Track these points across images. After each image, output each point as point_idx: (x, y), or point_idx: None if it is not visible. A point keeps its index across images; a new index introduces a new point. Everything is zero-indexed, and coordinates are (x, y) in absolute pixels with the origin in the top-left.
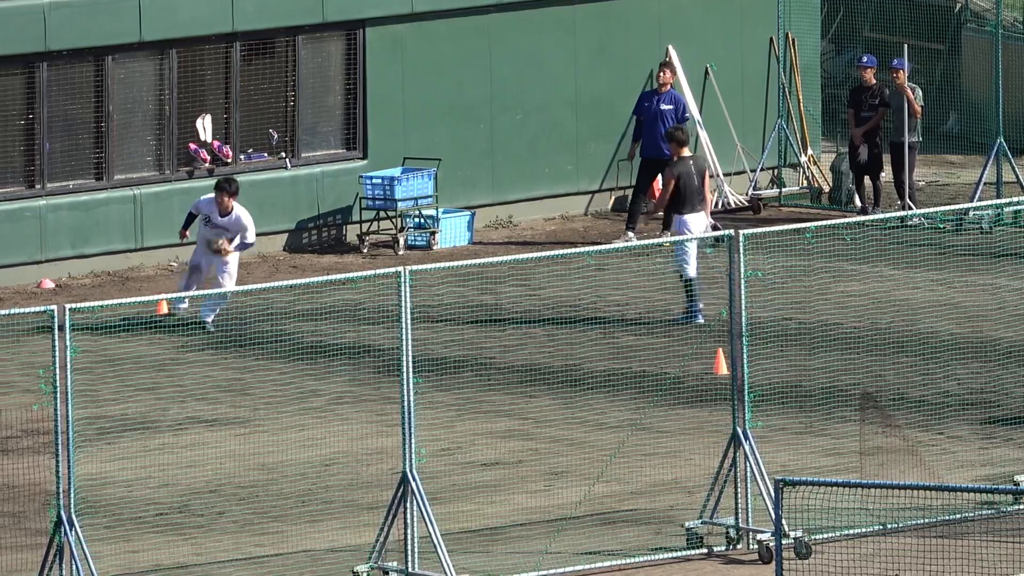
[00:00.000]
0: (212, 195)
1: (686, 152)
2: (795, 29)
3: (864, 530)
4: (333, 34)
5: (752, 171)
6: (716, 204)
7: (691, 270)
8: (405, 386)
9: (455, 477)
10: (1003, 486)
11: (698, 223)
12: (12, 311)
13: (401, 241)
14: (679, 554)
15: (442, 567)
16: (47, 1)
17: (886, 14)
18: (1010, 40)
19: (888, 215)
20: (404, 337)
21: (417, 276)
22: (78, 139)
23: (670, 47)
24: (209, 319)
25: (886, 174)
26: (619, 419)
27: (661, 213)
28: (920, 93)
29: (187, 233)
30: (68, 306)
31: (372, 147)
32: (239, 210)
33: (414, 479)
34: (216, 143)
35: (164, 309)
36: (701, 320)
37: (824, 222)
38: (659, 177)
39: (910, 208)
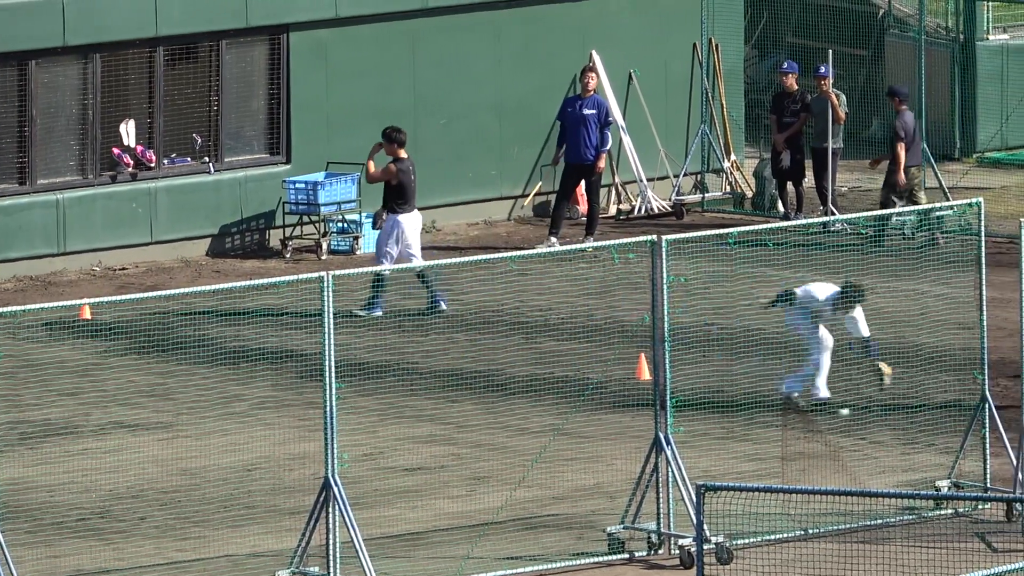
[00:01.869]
0: (815, 285)
1: (404, 153)
2: (718, 34)
3: (786, 535)
4: (257, 39)
5: (675, 176)
6: (640, 209)
7: (387, 263)
8: (327, 391)
9: (377, 482)
10: (924, 491)
11: (414, 221)
12: None
13: (324, 246)
14: (601, 559)
15: (364, 572)
16: None
17: (809, 20)
18: (933, 46)
19: (811, 221)
20: (327, 342)
21: (340, 281)
22: (1, 143)
23: (593, 52)
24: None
25: (808, 180)
26: (541, 424)
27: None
28: (844, 99)
29: None
30: None
31: (295, 152)
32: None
33: (336, 484)
34: (140, 148)
35: (87, 314)
36: (379, 312)
37: (747, 228)
38: (583, 183)
39: (832, 214)
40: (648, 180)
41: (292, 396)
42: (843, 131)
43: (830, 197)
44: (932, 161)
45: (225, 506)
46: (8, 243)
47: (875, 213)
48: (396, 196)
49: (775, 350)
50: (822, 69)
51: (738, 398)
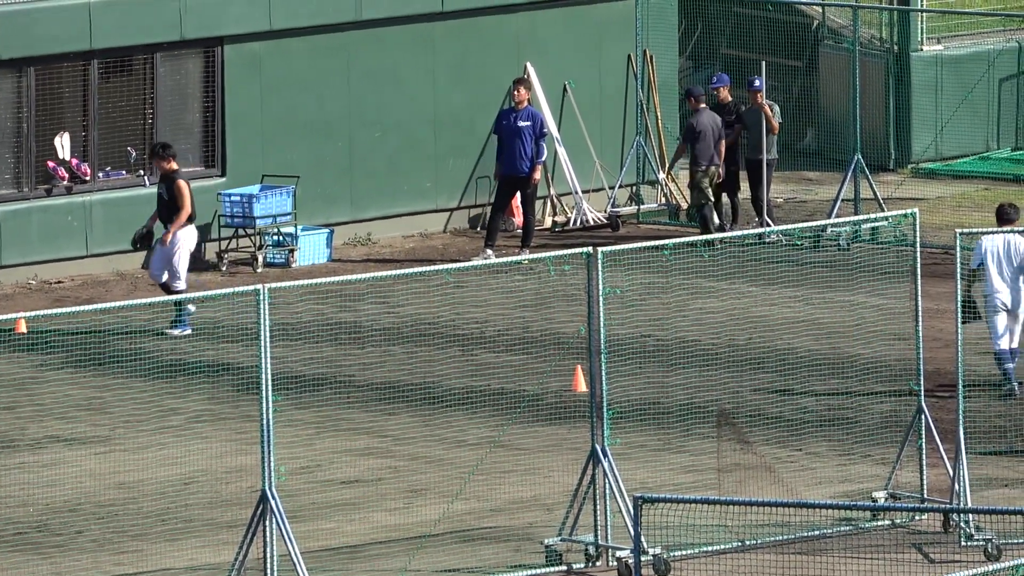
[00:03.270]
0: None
1: (176, 165)
2: (653, 46)
3: (723, 547)
4: (191, 51)
5: (610, 188)
6: (575, 221)
7: (182, 283)
8: (264, 404)
9: (315, 495)
10: (861, 502)
11: (193, 237)
12: None
13: (260, 259)
14: (538, 571)
15: None
16: None
17: (744, 31)
18: (867, 57)
19: (746, 232)
20: (263, 355)
21: (276, 294)
22: None
23: (528, 64)
24: None
25: (743, 191)
26: (478, 436)
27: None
28: (778, 110)
29: None
30: None
31: (230, 164)
32: None
33: (273, 497)
34: (74, 161)
35: (23, 328)
36: (188, 331)
37: (682, 239)
38: (518, 195)
39: (768, 225)
40: (583, 192)
41: (229, 409)
42: (778, 142)
43: (765, 208)
44: (867, 172)
45: (162, 520)
46: None
47: (813, 224)
48: (179, 211)
49: (712, 361)
50: (756, 82)
51: (674, 410)
